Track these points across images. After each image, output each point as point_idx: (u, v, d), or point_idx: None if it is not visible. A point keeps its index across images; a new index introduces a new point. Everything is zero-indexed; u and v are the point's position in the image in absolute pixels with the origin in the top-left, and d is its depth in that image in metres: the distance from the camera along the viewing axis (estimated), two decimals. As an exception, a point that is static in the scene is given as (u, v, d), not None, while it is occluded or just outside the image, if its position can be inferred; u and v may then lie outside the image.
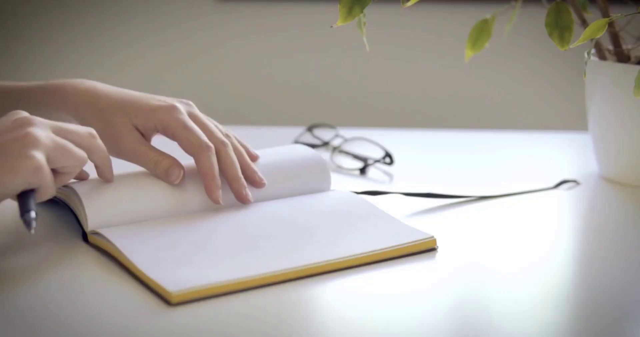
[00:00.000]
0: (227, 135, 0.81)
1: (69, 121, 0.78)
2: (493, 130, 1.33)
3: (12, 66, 2.12)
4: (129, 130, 0.77)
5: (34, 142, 0.65)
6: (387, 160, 1.00)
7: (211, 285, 0.63)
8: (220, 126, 0.81)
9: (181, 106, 0.78)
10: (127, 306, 0.62)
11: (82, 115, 0.78)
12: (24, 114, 0.69)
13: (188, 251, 0.70)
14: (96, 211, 0.74)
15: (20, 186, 0.65)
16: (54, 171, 0.68)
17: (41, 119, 0.68)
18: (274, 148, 0.87)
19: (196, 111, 0.79)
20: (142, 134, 0.78)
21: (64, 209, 0.77)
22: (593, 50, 0.95)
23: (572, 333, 0.60)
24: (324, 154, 1.06)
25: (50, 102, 0.79)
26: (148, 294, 0.64)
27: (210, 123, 0.79)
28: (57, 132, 0.68)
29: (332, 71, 2.08)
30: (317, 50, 2.07)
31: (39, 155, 0.65)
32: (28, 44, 2.10)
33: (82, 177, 0.77)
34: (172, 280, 0.63)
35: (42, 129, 0.67)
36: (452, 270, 0.70)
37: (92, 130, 0.71)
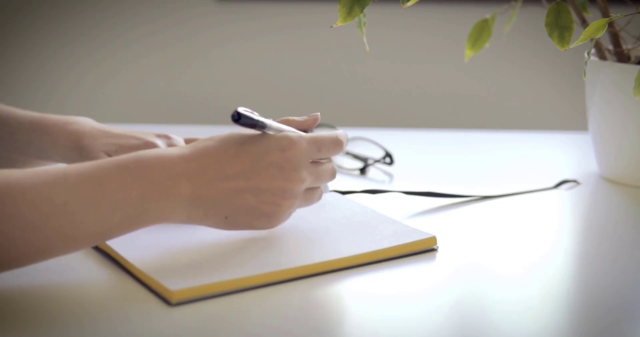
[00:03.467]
0: None
1: (58, 160, 0.82)
2: (493, 130, 1.33)
3: (14, 67, 2.12)
4: (104, 158, 0.79)
5: (285, 213, 0.71)
6: (387, 160, 1.00)
7: (211, 283, 0.63)
8: None
9: (160, 142, 0.80)
10: (127, 306, 0.62)
11: (68, 155, 0.80)
12: (292, 159, 0.69)
13: (187, 251, 0.70)
14: None
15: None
16: None
17: (305, 166, 0.70)
18: None
19: (176, 142, 0.81)
20: None
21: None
22: (593, 50, 0.95)
23: (572, 333, 0.60)
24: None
25: (40, 142, 0.81)
26: (148, 294, 0.64)
27: None
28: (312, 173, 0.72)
29: (332, 71, 2.08)
30: (318, 50, 2.07)
31: (282, 222, 0.72)
32: (29, 45, 2.10)
33: None
34: (172, 279, 0.63)
35: (301, 185, 0.70)
36: (452, 270, 0.70)
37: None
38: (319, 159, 0.72)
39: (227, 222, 0.69)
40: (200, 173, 0.67)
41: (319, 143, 0.71)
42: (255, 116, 0.68)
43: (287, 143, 0.69)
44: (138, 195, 0.65)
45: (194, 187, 0.67)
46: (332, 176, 0.74)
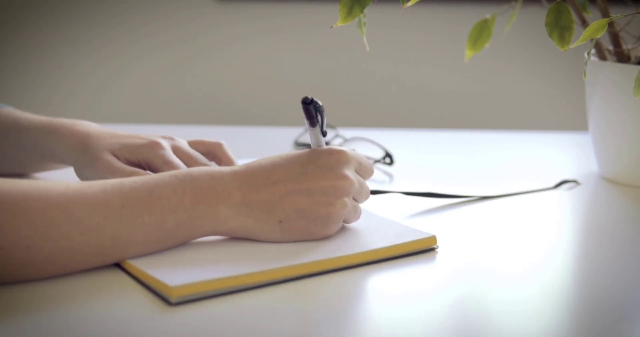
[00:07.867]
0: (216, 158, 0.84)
1: (62, 160, 0.83)
2: (493, 130, 1.33)
3: (17, 68, 2.12)
4: (108, 156, 0.79)
5: (340, 214, 0.71)
6: (387, 160, 1.00)
7: (211, 280, 0.63)
8: (219, 144, 0.84)
9: (164, 142, 0.81)
10: (127, 306, 0.62)
11: (73, 154, 0.81)
12: (343, 169, 0.72)
13: (186, 249, 0.70)
14: None
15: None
16: None
17: (350, 171, 0.72)
18: None
19: (180, 144, 0.82)
20: None
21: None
22: (593, 50, 0.95)
23: (572, 333, 0.60)
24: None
25: (47, 141, 0.83)
26: (148, 294, 0.64)
27: (195, 152, 0.82)
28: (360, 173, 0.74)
29: (332, 71, 2.08)
30: (318, 51, 2.08)
31: (337, 227, 0.72)
32: (29, 46, 2.10)
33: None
34: (171, 276, 0.63)
35: (351, 191, 0.72)
36: (452, 270, 0.70)
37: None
38: (359, 174, 0.74)
39: (282, 229, 0.70)
40: (249, 180, 0.70)
41: (360, 159, 0.74)
42: (320, 115, 0.72)
43: (334, 150, 0.72)
44: (190, 200, 0.68)
45: (244, 192, 0.69)
46: (369, 194, 0.75)
